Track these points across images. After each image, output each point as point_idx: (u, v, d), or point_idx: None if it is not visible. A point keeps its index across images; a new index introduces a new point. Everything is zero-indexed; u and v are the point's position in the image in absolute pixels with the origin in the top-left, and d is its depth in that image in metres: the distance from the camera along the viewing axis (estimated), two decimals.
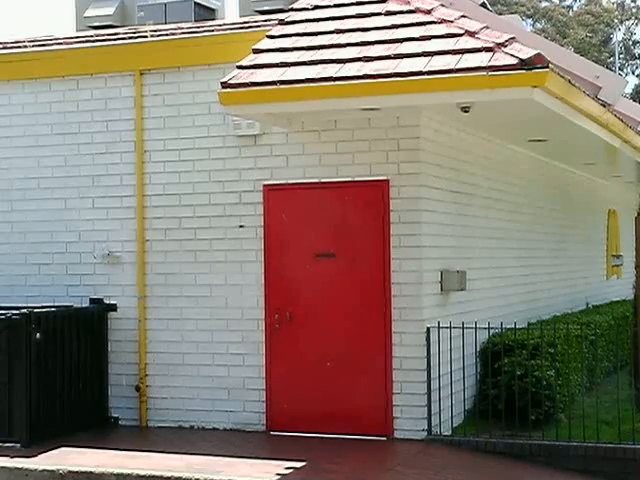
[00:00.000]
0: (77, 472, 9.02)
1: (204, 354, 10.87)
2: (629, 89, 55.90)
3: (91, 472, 9.00)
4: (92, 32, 13.15)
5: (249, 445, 10.07)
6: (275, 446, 10.16)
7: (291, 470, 8.90)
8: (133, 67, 11.16)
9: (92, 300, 11.21)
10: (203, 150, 10.95)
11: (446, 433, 10.19)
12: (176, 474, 8.78)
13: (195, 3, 14.45)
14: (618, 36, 60.77)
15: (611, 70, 35.50)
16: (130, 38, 11.68)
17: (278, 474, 8.73)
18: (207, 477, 8.68)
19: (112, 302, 11.20)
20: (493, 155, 12.38)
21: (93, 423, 10.93)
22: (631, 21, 62.01)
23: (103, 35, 12.23)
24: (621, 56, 60.08)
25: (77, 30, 14.80)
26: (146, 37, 11.44)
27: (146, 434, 10.83)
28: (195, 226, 10.97)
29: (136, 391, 11.08)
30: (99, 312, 11.12)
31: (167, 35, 11.38)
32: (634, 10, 61.84)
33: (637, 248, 10.72)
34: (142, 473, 8.87)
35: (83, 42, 11.80)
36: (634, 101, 32.78)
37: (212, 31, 11.23)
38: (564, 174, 15.96)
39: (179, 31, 11.44)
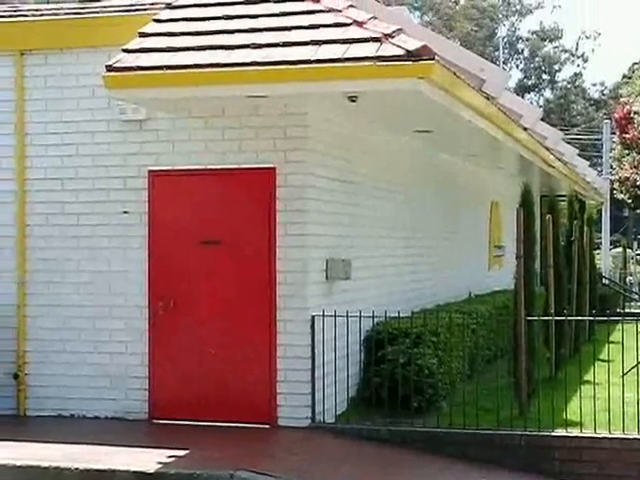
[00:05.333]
0: None
1: (86, 341, 10.67)
2: (512, 83, 57.22)
3: None
4: None
5: (131, 433, 9.94)
6: (157, 434, 10.06)
7: (173, 458, 8.81)
8: (13, 47, 10.86)
9: None
10: (87, 134, 10.74)
11: (329, 421, 10.24)
12: (54, 464, 8.59)
13: None
14: (502, 31, 62.07)
15: (495, 64, 36.17)
16: (10, 17, 11.32)
17: (159, 462, 8.62)
18: (86, 466, 8.52)
19: None
20: (380, 145, 12.48)
21: None
22: (515, 17, 63.41)
23: None
24: (505, 51, 61.40)
25: None
26: (27, 16, 11.12)
27: (24, 423, 10.58)
28: (78, 211, 10.75)
29: (14, 379, 10.80)
30: None
31: (49, 15, 11.08)
32: (518, 7, 63.26)
33: (518, 239, 10.94)
34: (19, 463, 8.64)
35: None
36: (517, 95, 33.49)
37: (97, 13, 10.99)
38: (450, 165, 16.20)
39: (62, 11, 11.16)
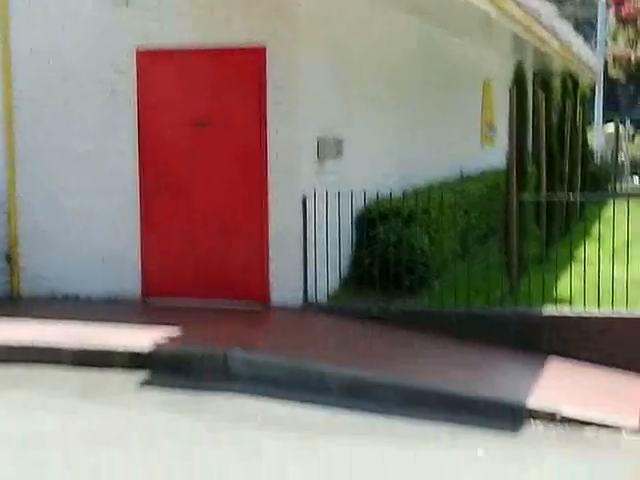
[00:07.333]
0: None
1: (78, 222, 10.65)
2: None
3: None
4: None
5: (125, 313, 10.00)
6: (151, 313, 10.13)
7: (168, 338, 8.90)
8: None
9: None
10: (72, 12, 10.49)
11: (322, 300, 10.31)
12: (51, 344, 8.66)
13: None
14: None
15: None
16: None
17: (155, 342, 8.69)
18: (83, 346, 8.61)
19: None
20: (373, 23, 12.23)
21: None
22: None
23: None
24: None
25: None
26: None
27: (18, 304, 10.63)
28: (66, 92, 10.59)
29: (6, 261, 10.82)
30: None
31: None
32: None
33: (510, 119, 10.84)
34: (14, 344, 8.73)
35: None
36: None
37: None
38: (442, 44, 15.92)
39: None
